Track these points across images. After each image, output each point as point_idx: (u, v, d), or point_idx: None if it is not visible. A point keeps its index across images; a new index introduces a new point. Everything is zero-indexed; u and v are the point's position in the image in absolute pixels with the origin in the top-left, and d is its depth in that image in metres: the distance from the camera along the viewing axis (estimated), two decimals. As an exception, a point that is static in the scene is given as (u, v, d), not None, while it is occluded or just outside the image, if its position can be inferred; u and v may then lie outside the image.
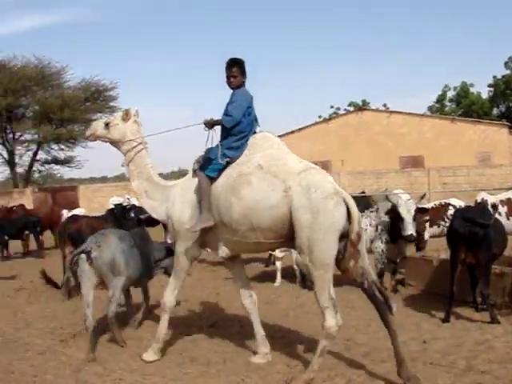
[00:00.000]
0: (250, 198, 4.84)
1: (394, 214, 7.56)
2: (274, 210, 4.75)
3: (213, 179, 5.10)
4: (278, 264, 9.12)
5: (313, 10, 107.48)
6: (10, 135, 29.09)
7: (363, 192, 14.08)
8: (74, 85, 30.19)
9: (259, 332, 5.53)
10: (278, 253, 8.95)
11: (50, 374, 5.37)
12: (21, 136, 29.50)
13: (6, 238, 13.64)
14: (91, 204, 22.29)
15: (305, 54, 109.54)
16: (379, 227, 7.99)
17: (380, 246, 7.92)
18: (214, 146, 5.26)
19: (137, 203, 10.73)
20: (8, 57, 28.31)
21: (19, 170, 30.23)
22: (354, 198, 5.12)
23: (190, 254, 5.36)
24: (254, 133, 5.27)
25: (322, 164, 22.73)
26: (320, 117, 44.11)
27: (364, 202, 9.71)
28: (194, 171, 5.34)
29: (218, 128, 5.30)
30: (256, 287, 8.83)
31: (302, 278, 8.62)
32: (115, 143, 5.76)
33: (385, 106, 45.47)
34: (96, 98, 30.46)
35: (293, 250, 8.54)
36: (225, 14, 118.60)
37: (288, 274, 9.33)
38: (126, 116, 5.62)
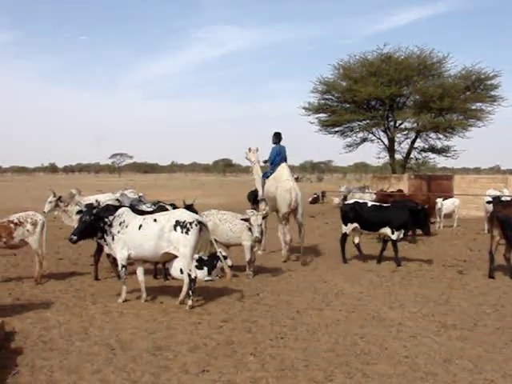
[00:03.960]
0: (268, 190, 11.73)
1: None
2: (273, 195, 11.40)
3: (265, 180, 12.08)
4: None
5: None
6: (391, 123, 30.50)
7: None
8: (454, 74, 29.68)
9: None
10: None
11: (420, 359, 5.53)
12: (401, 124, 30.57)
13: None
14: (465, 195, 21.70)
15: None
16: None
17: None
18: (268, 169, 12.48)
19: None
20: (394, 49, 29.71)
21: (397, 156, 31.51)
22: None
23: (271, 210, 11.66)
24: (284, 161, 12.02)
25: None
26: None
27: None
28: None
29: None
30: None
31: None
32: (250, 162, 12.92)
33: None
34: (476, 87, 29.33)
35: None
36: None
37: None
38: (249, 149, 12.70)
